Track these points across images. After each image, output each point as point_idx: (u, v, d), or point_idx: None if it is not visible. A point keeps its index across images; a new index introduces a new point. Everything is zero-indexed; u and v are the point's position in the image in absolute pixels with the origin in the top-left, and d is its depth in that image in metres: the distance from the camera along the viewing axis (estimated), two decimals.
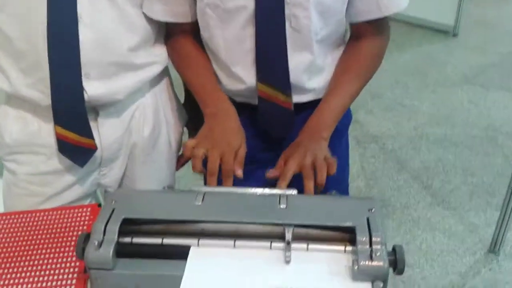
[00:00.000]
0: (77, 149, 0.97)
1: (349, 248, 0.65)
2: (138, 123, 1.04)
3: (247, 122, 1.00)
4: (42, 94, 0.92)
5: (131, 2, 0.93)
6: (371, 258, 0.62)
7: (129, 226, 0.68)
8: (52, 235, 0.82)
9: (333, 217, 0.67)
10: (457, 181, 2.40)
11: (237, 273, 0.64)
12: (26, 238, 0.81)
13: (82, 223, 0.84)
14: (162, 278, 0.64)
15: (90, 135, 0.96)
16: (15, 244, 0.80)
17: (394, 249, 0.65)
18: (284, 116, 1.00)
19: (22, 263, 0.76)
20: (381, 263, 0.61)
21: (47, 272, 0.74)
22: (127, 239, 0.67)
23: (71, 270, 0.74)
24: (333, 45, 1.01)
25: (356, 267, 0.62)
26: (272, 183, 0.83)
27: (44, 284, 0.72)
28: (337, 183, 1.09)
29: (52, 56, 0.88)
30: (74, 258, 0.76)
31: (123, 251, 0.66)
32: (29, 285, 0.72)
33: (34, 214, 0.87)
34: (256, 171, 0.95)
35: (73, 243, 0.79)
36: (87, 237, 0.66)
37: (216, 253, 0.66)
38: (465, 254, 1.99)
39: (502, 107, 2.97)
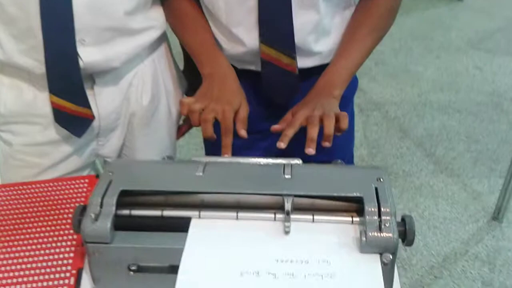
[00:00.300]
0: (73, 118, 0.94)
1: (356, 219, 0.63)
2: (136, 91, 1.01)
3: (249, 89, 0.97)
4: (36, 61, 0.89)
5: None
6: (380, 229, 0.59)
7: (127, 198, 0.65)
8: (49, 208, 0.79)
9: (340, 187, 0.64)
10: (460, 148, 2.38)
11: (240, 245, 0.62)
12: (22, 210, 0.79)
13: (80, 194, 0.82)
14: (162, 251, 0.62)
15: (86, 104, 0.94)
16: (10, 217, 0.78)
17: (403, 219, 0.62)
18: (289, 81, 0.96)
19: (18, 236, 0.74)
20: (390, 235, 0.59)
21: (44, 246, 0.72)
22: (125, 212, 0.64)
23: (69, 243, 0.72)
24: (341, 4, 0.97)
25: (364, 239, 0.59)
26: (276, 154, 0.80)
27: (40, 258, 0.70)
28: (342, 152, 1.07)
29: (45, 21, 0.84)
30: (71, 231, 0.74)
31: (121, 224, 0.63)
32: (25, 259, 0.70)
33: (30, 186, 0.84)
34: (258, 141, 0.92)
35: (70, 215, 0.76)
36: (83, 209, 0.63)
37: (218, 225, 0.64)
38: (468, 222, 1.99)
39: (508, 72, 2.93)
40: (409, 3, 3.47)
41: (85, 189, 0.83)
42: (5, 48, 0.89)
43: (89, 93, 0.94)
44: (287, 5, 0.89)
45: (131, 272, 0.63)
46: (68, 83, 0.91)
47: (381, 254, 0.59)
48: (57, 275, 0.68)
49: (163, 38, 1.04)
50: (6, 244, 0.73)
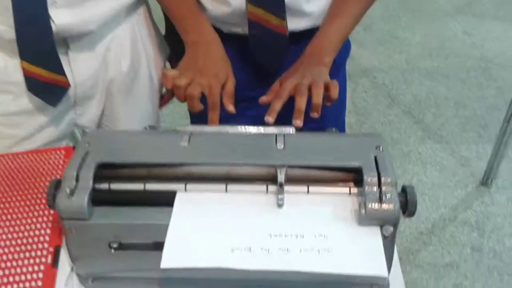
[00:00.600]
0: (47, 86, 0.89)
1: (354, 190, 0.59)
2: (115, 56, 0.96)
3: (236, 55, 0.92)
4: (4, 25, 0.83)
5: None
6: (380, 200, 0.55)
7: (106, 171, 0.60)
8: (23, 181, 0.75)
9: (336, 157, 0.60)
10: (449, 114, 2.37)
11: (230, 219, 0.58)
12: None
13: (56, 167, 0.77)
14: (144, 228, 0.58)
15: (60, 71, 0.88)
16: None
17: (404, 189, 0.58)
18: (278, 43, 0.91)
19: None
20: (391, 206, 0.55)
21: (18, 222, 0.67)
22: (104, 186, 0.59)
23: (45, 219, 0.68)
24: None
25: (363, 211, 0.55)
26: (264, 123, 0.75)
27: (15, 235, 0.66)
28: (334, 120, 1.03)
29: None
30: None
31: (100, 199, 0.59)
32: None
33: (3, 158, 0.80)
34: (246, 110, 0.87)
35: (46, 190, 0.72)
36: (58, 183, 0.58)
37: (206, 198, 0.60)
38: (457, 187, 1.99)
39: (496, 37, 2.90)
40: None
41: (61, 161, 0.79)
42: None
43: (63, 59, 0.88)
44: None
45: (113, 250, 0.59)
46: (40, 48, 0.85)
47: (381, 226, 0.56)
48: (33, 253, 0.64)
49: (141, 0, 0.98)
50: None
